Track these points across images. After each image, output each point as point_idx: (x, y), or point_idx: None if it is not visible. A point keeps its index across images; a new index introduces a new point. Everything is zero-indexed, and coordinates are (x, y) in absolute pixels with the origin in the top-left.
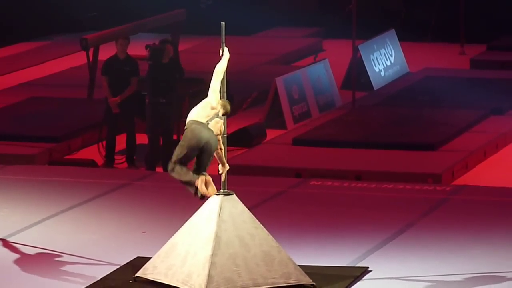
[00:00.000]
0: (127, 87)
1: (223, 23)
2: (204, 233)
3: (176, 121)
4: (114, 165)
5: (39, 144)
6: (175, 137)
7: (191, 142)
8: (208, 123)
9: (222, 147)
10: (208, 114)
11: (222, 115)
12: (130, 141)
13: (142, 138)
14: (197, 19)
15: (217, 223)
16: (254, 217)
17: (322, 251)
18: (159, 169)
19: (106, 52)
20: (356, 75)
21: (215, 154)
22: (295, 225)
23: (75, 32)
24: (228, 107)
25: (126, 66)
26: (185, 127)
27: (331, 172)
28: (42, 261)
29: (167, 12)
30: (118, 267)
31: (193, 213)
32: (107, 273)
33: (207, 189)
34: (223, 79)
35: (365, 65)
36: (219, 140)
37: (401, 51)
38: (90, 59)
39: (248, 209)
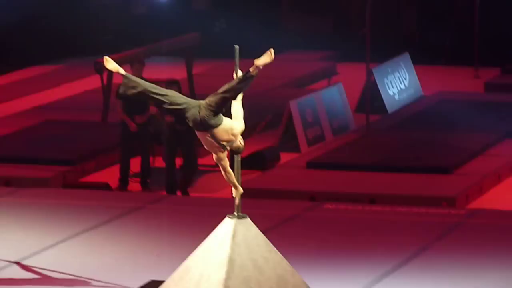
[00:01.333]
0: (142, 109)
1: (237, 46)
2: (218, 257)
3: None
4: (128, 188)
5: (53, 167)
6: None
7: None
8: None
9: (231, 172)
10: (228, 138)
11: (232, 150)
12: (145, 164)
13: (157, 161)
14: (211, 42)
15: (231, 246)
16: (268, 240)
17: (336, 275)
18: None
19: (120, 75)
20: (370, 98)
21: (225, 177)
22: (309, 249)
23: (89, 55)
24: (242, 149)
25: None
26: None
27: (345, 196)
28: (56, 284)
29: (181, 36)
30: None
31: (207, 236)
32: None
33: None
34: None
35: (379, 89)
36: (224, 166)
37: (415, 74)
38: (104, 82)
39: (262, 232)
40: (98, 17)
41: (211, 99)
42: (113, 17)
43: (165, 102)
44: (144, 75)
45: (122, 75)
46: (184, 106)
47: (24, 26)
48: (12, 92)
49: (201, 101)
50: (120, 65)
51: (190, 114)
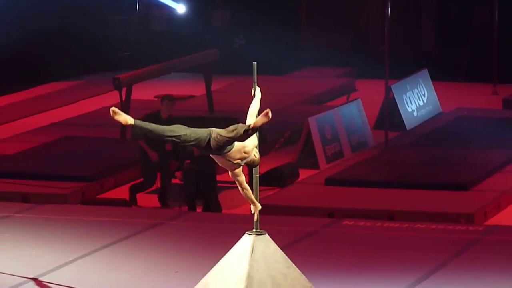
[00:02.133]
0: (164, 146)
1: (255, 63)
2: (236, 273)
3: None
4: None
5: (71, 183)
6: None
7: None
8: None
9: (248, 188)
10: (241, 156)
11: (248, 165)
12: (164, 181)
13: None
14: (229, 58)
15: (249, 262)
16: (286, 257)
17: None
18: (199, 209)
19: (139, 91)
20: (389, 115)
21: (242, 193)
22: (327, 265)
23: (108, 71)
24: (257, 162)
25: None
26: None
27: (364, 212)
28: None
29: (199, 52)
30: None
31: (226, 253)
32: None
33: None
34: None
35: (398, 105)
36: (240, 182)
37: (434, 91)
38: (123, 98)
39: (281, 248)
40: (117, 33)
41: (219, 137)
42: (133, 33)
43: (178, 142)
44: (163, 91)
45: (132, 125)
46: (196, 141)
47: (43, 42)
48: (31, 108)
49: (212, 130)
50: (138, 81)
51: (201, 145)
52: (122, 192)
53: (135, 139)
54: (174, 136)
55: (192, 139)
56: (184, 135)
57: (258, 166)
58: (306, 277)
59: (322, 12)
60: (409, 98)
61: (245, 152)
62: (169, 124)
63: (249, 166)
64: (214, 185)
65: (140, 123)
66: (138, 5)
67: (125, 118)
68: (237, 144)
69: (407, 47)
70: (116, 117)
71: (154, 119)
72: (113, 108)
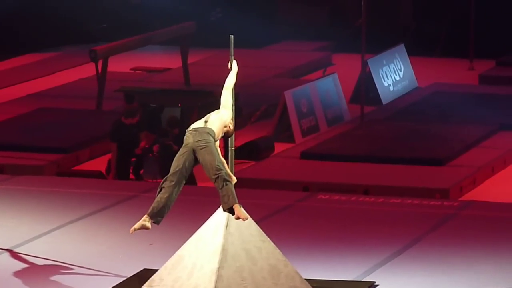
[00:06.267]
0: (136, 146)
1: (232, 36)
2: (211, 246)
3: None
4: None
5: (47, 155)
6: None
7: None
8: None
9: (224, 161)
10: (222, 132)
11: (223, 135)
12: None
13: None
14: (206, 31)
15: (224, 236)
16: (261, 230)
17: (329, 265)
18: None
19: (115, 63)
20: (365, 89)
21: None
22: (302, 239)
23: (85, 43)
24: (231, 132)
25: (135, 127)
26: (203, 143)
27: (339, 186)
28: (49, 272)
29: (176, 24)
30: (124, 279)
31: (200, 226)
32: (114, 284)
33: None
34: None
35: (374, 80)
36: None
37: (410, 66)
38: (99, 70)
39: (256, 222)
40: (94, 5)
41: (199, 157)
42: (110, 5)
43: (185, 177)
44: (139, 64)
45: (153, 222)
46: (189, 166)
47: (19, 13)
48: (7, 80)
49: (193, 145)
50: (114, 53)
51: (194, 161)
52: (97, 164)
53: (160, 221)
54: (180, 185)
55: (188, 169)
56: (180, 177)
57: (233, 140)
58: (281, 250)
59: None
60: (386, 72)
61: (225, 127)
62: (136, 126)
63: (224, 137)
64: None
65: (153, 211)
66: None
67: (142, 224)
68: (218, 126)
69: (384, 21)
70: (136, 230)
71: (118, 127)
72: (131, 231)
